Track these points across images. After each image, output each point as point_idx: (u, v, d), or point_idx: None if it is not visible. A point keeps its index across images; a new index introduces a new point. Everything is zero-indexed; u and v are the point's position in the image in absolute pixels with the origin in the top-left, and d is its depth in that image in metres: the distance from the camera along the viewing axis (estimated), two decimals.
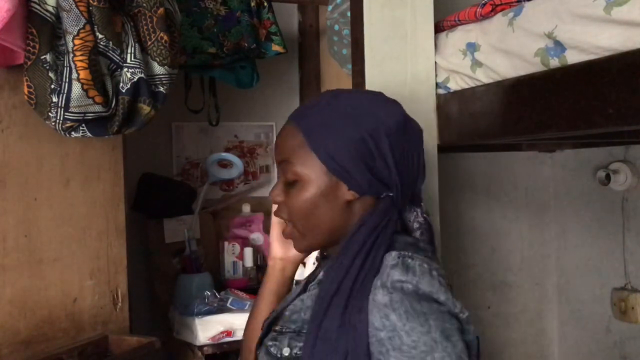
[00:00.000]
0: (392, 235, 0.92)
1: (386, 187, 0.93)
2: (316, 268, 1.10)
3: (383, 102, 0.97)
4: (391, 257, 0.87)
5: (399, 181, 0.94)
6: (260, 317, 1.05)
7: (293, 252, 1.06)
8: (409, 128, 0.96)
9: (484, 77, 1.38)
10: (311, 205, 0.93)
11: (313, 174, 0.92)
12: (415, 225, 0.99)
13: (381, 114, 0.93)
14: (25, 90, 1.07)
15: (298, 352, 0.89)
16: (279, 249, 1.07)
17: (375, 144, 0.91)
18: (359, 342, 0.82)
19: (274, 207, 1.06)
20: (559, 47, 1.16)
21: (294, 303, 0.96)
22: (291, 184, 0.94)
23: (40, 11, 1.04)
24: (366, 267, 0.86)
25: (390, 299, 0.82)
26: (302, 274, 1.44)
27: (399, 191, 0.94)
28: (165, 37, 1.15)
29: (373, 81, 1.44)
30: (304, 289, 1.02)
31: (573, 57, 1.13)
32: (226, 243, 1.98)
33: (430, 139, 1.50)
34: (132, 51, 1.12)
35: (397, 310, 0.81)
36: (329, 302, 0.85)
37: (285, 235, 1.00)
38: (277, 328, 0.94)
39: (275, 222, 1.07)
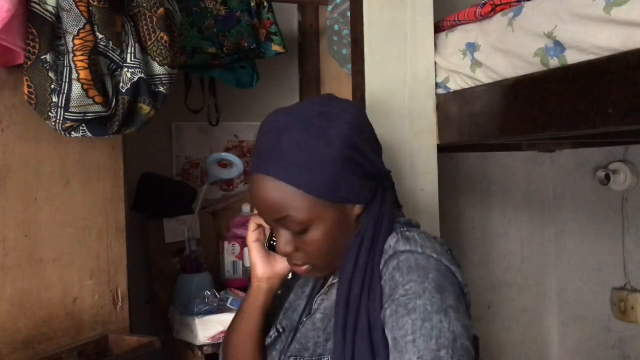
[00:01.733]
0: (392, 218, 0.93)
1: (377, 179, 0.94)
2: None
3: (334, 105, 0.93)
4: (391, 237, 0.89)
5: (382, 165, 0.95)
6: (246, 336, 1.03)
7: (279, 268, 1.04)
8: (360, 113, 0.95)
9: (483, 77, 1.38)
10: (329, 242, 0.91)
11: (319, 213, 0.89)
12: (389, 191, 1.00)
13: (342, 121, 0.91)
14: (26, 90, 1.07)
15: None
16: (265, 269, 1.04)
17: (358, 152, 0.90)
18: (375, 331, 0.83)
19: (251, 227, 1.04)
20: (559, 47, 1.16)
21: (308, 328, 0.95)
22: (298, 234, 0.91)
23: (41, 11, 1.04)
24: (370, 258, 0.88)
25: (398, 261, 0.85)
26: None
27: (387, 175, 0.96)
28: (166, 37, 1.15)
29: (373, 81, 1.45)
30: (310, 294, 1.02)
31: (573, 57, 1.13)
32: (226, 243, 1.98)
33: (430, 139, 1.50)
34: (132, 51, 1.12)
35: (402, 268, 0.84)
36: (346, 305, 0.85)
37: (301, 272, 0.96)
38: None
39: (253, 242, 1.05)
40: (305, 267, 0.94)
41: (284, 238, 0.93)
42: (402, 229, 0.91)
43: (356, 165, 0.90)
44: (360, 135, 0.91)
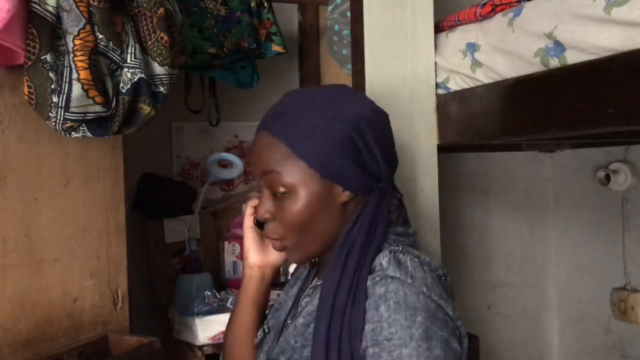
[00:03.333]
0: (386, 228, 0.91)
1: (376, 179, 0.92)
2: (296, 268, 1.09)
3: (353, 94, 0.95)
4: (383, 255, 0.87)
5: (387, 171, 0.93)
6: (238, 329, 1.02)
7: (272, 257, 1.02)
8: (381, 114, 0.95)
9: (483, 77, 1.38)
10: (307, 216, 0.89)
11: (304, 182, 0.88)
12: (392, 208, 0.98)
13: (357, 107, 0.91)
14: (26, 90, 1.07)
15: None
16: (257, 256, 1.02)
17: (361, 138, 0.89)
18: (358, 341, 0.81)
19: (247, 211, 1.04)
20: (559, 47, 1.16)
21: (289, 331, 0.93)
22: (280, 197, 0.90)
23: (41, 11, 1.04)
24: (360, 265, 0.86)
25: (386, 289, 0.82)
26: None
27: (387, 181, 0.94)
28: (166, 37, 1.15)
29: (373, 81, 1.45)
30: (297, 296, 1.01)
31: (573, 57, 1.13)
32: (226, 243, 1.98)
33: (430, 139, 1.50)
34: (132, 51, 1.12)
35: (388, 301, 0.80)
36: (330, 313, 0.83)
37: (276, 248, 0.95)
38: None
39: (248, 228, 1.03)
40: (278, 243, 0.93)
41: (266, 203, 0.92)
42: (394, 248, 0.88)
43: (355, 149, 0.88)
44: (370, 128, 0.90)
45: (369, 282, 0.84)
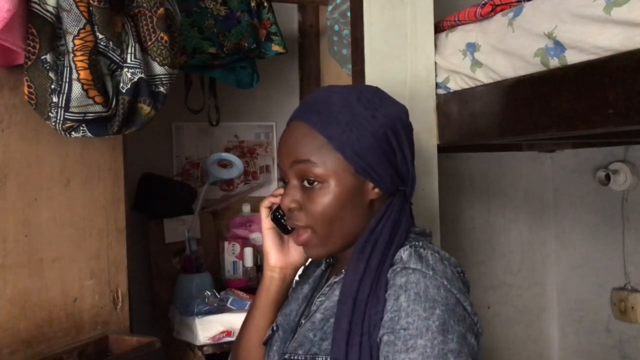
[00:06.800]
0: (408, 229, 0.92)
1: (402, 181, 0.93)
2: (307, 267, 1.08)
3: (388, 96, 0.96)
4: (404, 249, 0.87)
5: (413, 174, 0.94)
6: (256, 332, 1.01)
7: (294, 258, 1.02)
8: (407, 116, 0.96)
9: (483, 77, 1.38)
10: (337, 209, 0.89)
11: (337, 174, 0.88)
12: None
13: (394, 108, 0.93)
14: (26, 90, 1.07)
15: None
16: (278, 258, 1.01)
17: (396, 138, 0.90)
18: (377, 333, 0.81)
19: (263, 213, 1.03)
20: (559, 47, 1.16)
21: (307, 327, 0.92)
22: (310, 188, 0.89)
23: (41, 11, 1.04)
24: (383, 261, 0.86)
25: (407, 279, 0.82)
26: None
27: (412, 184, 0.95)
28: (166, 37, 1.15)
29: (373, 81, 1.44)
30: (310, 295, 1.00)
31: (573, 57, 1.14)
32: (226, 243, 1.98)
33: (430, 139, 1.50)
34: (132, 51, 1.12)
35: (408, 291, 0.80)
36: (353, 306, 0.83)
37: (300, 242, 0.93)
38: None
39: (267, 230, 1.02)
40: (306, 234, 0.91)
41: (293, 193, 0.91)
42: (415, 243, 0.88)
43: (389, 149, 0.90)
44: (403, 130, 0.92)
45: (389, 274, 0.84)
